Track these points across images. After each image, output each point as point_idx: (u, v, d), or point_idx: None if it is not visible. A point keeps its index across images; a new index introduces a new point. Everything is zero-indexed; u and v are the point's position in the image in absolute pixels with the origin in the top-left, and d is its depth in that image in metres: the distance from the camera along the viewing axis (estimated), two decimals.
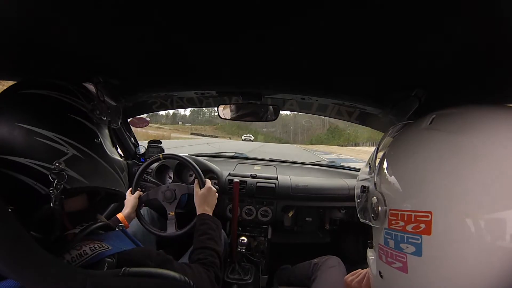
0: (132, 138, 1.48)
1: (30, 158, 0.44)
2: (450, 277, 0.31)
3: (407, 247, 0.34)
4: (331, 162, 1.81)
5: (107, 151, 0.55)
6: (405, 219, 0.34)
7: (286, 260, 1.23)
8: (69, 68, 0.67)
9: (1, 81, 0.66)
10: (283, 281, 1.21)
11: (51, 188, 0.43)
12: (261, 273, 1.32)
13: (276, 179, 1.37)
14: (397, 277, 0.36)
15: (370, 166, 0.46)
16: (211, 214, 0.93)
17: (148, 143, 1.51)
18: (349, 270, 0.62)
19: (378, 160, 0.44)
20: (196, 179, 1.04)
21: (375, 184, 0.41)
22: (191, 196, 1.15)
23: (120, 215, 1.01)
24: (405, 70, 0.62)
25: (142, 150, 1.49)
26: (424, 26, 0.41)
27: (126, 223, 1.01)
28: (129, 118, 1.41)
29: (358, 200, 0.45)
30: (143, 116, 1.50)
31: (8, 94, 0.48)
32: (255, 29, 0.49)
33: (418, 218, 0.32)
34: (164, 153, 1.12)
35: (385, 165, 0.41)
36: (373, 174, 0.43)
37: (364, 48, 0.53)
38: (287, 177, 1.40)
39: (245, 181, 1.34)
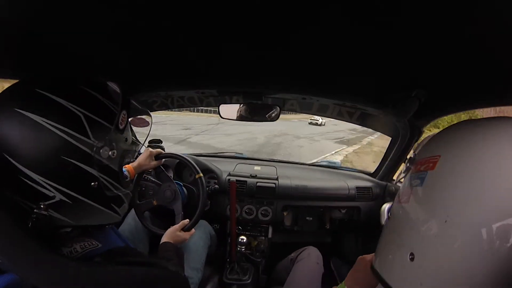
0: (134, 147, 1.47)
1: (12, 192, 0.40)
2: (436, 200, 0.38)
3: (415, 182, 0.42)
4: (331, 163, 1.81)
5: (106, 191, 0.47)
6: (421, 163, 0.43)
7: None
8: (69, 67, 0.67)
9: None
10: (274, 280, 1.22)
11: (33, 216, 0.40)
12: (260, 272, 1.32)
13: (276, 179, 1.38)
14: (400, 209, 0.44)
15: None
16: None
17: (149, 142, 1.51)
18: (346, 268, 0.62)
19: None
20: (195, 216, 1.00)
21: (414, 150, 0.50)
22: (189, 199, 1.16)
23: (129, 166, 1.00)
24: (405, 71, 0.63)
25: (142, 149, 1.49)
26: (424, 27, 0.42)
27: (133, 172, 1.01)
28: (129, 118, 1.41)
29: (404, 169, 0.55)
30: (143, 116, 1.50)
31: (3, 107, 0.41)
32: (256, 35, 0.50)
33: (429, 160, 0.41)
34: (201, 175, 1.08)
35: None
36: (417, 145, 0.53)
37: (365, 49, 0.53)
38: (287, 178, 1.40)
39: (245, 181, 1.34)
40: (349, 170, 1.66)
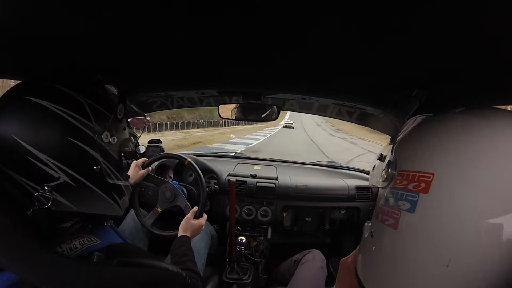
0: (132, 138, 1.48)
1: (19, 174, 0.42)
2: (435, 236, 0.32)
3: (403, 204, 0.35)
4: (331, 162, 1.81)
5: (107, 178, 0.49)
6: (409, 178, 0.36)
7: (285, 260, 1.23)
8: (70, 68, 0.67)
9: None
10: (275, 280, 1.22)
11: (36, 203, 0.41)
12: (260, 272, 1.32)
13: (276, 179, 1.37)
14: (387, 233, 0.38)
15: (391, 140, 0.49)
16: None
17: (148, 142, 1.51)
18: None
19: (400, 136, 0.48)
20: (199, 204, 1.02)
21: (392, 150, 0.44)
22: (189, 199, 1.15)
23: None
24: (405, 71, 0.63)
25: (142, 149, 1.50)
26: (426, 29, 0.41)
27: None
28: (129, 118, 1.41)
29: (372, 168, 0.49)
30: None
31: (13, 96, 0.45)
32: (257, 41, 0.50)
33: (420, 178, 0.34)
34: (190, 160, 1.12)
35: (404, 135, 0.44)
36: (392, 143, 0.47)
37: (366, 51, 0.53)
38: (287, 177, 1.40)
39: (245, 181, 1.34)
40: (349, 170, 1.66)
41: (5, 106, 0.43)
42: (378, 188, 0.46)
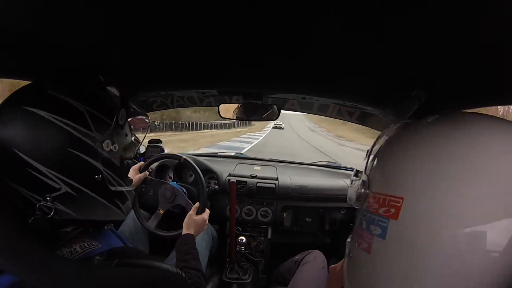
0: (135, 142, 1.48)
1: (20, 185, 0.41)
2: (407, 264, 0.31)
3: (375, 229, 0.34)
4: (331, 163, 1.81)
5: (109, 185, 0.49)
6: (380, 202, 0.35)
7: (286, 260, 1.23)
8: (70, 68, 0.67)
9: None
10: (275, 280, 1.22)
11: (37, 212, 0.41)
12: (260, 272, 1.32)
13: (276, 179, 1.37)
14: (362, 257, 0.37)
15: (366, 154, 0.48)
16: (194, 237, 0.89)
17: (148, 142, 1.51)
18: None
19: (374, 149, 0.45)
20: (199, 201, 1.02)
21: (365, 168, 0.43)
22: (189, 198, 1.16)
23: None
24: (406, 71, 0.63)
25: (142, 149, 1.50)
26: (427, 29, 0.41)
27: None
28: (129, 118, 1.41)
29: (350, 184, 0.47)
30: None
31: (11, 105, 0.43)
32: (256, 37, 0.50)
33: (390, 202, 0.33)
34: (186, 157, 1.12)
35: (377, 152, 0.43)
36: (366, 159, 0.45)
37: (365, 49, 0.53)
38: (287, 178, 1.40)
39: (245, 181, 1.34)
40: (349, 170, 1.66)
41: (3, 117, 0.42)
42: None
